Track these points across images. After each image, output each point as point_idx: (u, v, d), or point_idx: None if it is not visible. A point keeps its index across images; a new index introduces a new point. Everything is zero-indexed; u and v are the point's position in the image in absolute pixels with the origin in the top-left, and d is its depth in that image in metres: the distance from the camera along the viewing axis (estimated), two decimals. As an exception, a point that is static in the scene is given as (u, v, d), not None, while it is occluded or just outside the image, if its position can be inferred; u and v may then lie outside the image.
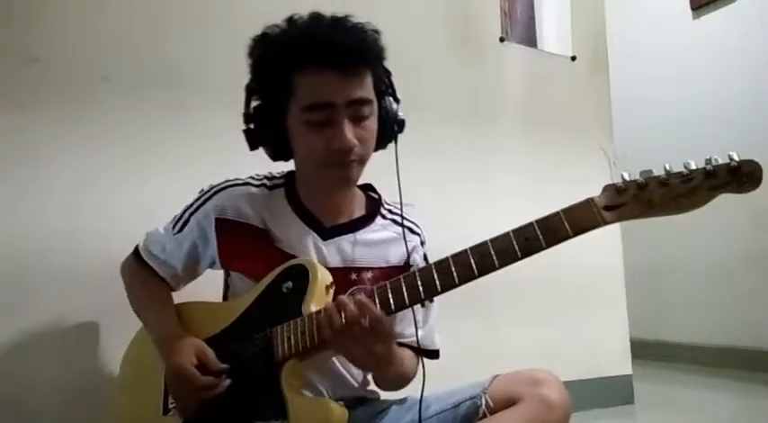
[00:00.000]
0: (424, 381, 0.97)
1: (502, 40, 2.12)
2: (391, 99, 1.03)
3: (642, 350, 2.57)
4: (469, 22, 2.07)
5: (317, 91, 0.93)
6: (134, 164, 1.46)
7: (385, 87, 1.03)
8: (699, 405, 2.21)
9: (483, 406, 0.92)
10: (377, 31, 0.99)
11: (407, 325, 1.05)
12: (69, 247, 1.36)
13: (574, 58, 2.27)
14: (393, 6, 1.88)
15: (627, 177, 0.78)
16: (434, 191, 1.84)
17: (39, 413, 1.31)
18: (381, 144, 1.03)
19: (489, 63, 2.10)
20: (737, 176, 0.72)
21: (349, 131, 0.94)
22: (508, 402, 0.90)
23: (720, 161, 0.73)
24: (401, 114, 1.04)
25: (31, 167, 1.37)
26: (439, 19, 2.01)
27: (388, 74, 1.03)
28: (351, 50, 0.93)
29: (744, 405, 2.21)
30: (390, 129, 1.03)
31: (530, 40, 2.28)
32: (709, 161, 0.74)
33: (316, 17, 0.97)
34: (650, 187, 0.76)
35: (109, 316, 1.37)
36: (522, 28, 2.28)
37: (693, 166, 0.74)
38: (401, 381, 1.04)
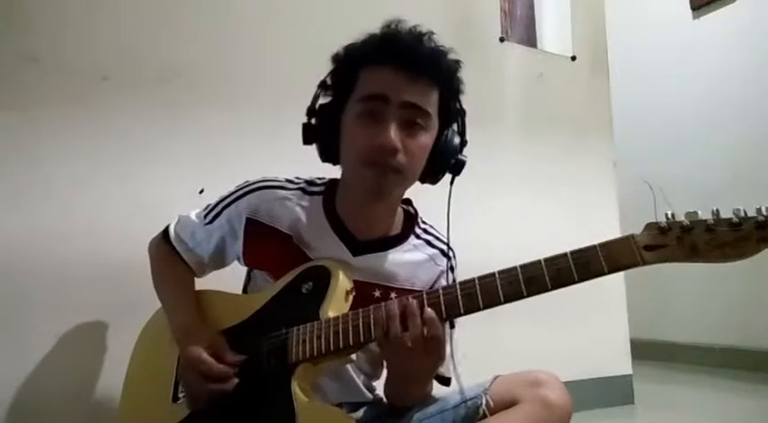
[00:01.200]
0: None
1: (502, 40, 2.12)
2: (457, 134, 1.01)
3: (642, 350, 2.57)
4: (469, 23, 2.07)
5: (374, 83, 0.93)
6: (132, 164, 1.46)
7: (454, 119, 1.00)
8: (699, 405, 2.20)
9: (483, 406, 0.91)
10: (458, 61, 0.98)
11: None
12: (68, 246, 1.36)
13: (574, 58, 2.27)
14: (393, 7, 1.88)
15: (671, 216, 0.73)
16: (433, 191, 1.84)
17: (38, 413, 1.31)
18: (431, 176, 1.01)
19: (489, 63, 2.09)
20: None
21: (394, 133, 0.91)
22: (509, 403, 0.90)
23: None
24: (464, 155, 1.01)
25: (29, 167, 1.37)
26: (439, 19, 2.01)
27: (462, 113, 1.01)
28: (422, 57, 0.93)
29: (744, 405, 2.21)
30: (444, 161, 0.99)
31: (530, 40, 2.27)
32: (759, 210, 0.68)
33: (399, 23, 0.97)
34: (695, 231, 0.71)
35: (108, 315, 1.37)
36: (522, 28, 2.28)
37: (743, 213, 0.69)
38: (417, 402, 1.01)
